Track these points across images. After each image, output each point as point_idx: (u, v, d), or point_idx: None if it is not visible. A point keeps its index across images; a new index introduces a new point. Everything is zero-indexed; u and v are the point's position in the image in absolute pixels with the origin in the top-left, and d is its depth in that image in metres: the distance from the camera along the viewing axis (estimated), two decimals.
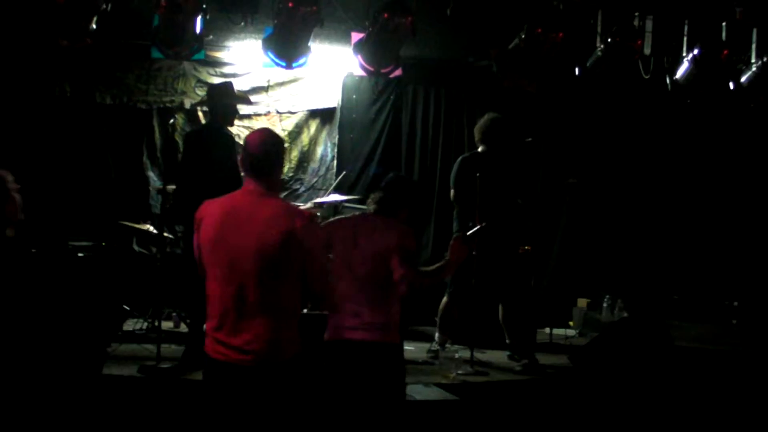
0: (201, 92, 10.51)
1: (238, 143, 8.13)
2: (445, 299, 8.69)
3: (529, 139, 8.81)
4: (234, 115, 8.28)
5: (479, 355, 8.48)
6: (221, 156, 7.69)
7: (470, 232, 6.28)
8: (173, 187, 8.76)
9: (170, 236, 9.17)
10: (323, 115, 11.09)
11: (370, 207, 5.58)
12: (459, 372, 7.91)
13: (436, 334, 8.81)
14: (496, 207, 8.44)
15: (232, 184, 5.44)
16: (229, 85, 8.29)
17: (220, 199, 4.58)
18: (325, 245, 5.00)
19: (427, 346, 8.84)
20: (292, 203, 4.97)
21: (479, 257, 8.27)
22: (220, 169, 7.48)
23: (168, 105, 10.48)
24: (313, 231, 4.48)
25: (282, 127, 10.91)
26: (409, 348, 8.74)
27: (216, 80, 10.54)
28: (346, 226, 5.44)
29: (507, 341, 8.73)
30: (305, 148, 11.02)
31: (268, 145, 4.58)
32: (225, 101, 8.03)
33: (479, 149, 8.77)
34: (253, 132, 4.72)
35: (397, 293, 5.24)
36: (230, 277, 4.39)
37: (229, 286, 4.39)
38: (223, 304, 4.40)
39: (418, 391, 7.14)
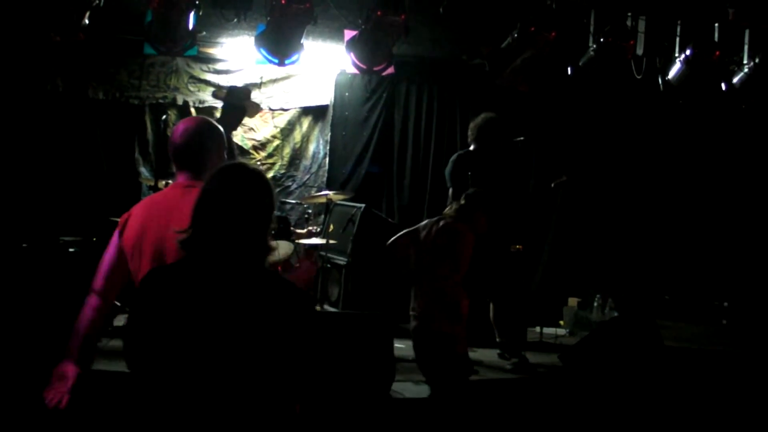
0: (193, 88, 10.55)
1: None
2: None
3: (521, 138, 8.81)
4: (240, 121, 8.53)
5: (469, 354, 8.49)
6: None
7: None
8: (165, 182, 8.78)
9: None
10: (316, 113, 11.10)
11: (448, 213, 6.56)
12: None
13: None
14: None
15: None
16: (247, 90, 8.52)
17: (147, 198, 4.27)
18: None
19: None
20: None
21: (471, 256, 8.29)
22: None
23: (160, 101, 10.48)
24: None
25: (274, 124, 10.91)
26: (400, 345, 8.75)
27: (209, 76, 10.60)
28: (424, 230, 6.52)
29: (497, 340, 8.74)
30: (297, 146, 11.02)
31: (191, 133, 4.18)
32: (238, 104, 8.13)
33: (471, 147, 8.77)
34: (180, 120, 4.34)
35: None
36: None
37: None
38: None
39: (408, 389, 7.15)
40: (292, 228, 9.64)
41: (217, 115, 10.58)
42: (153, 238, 3.99)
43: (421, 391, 7.22)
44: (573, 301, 10.96)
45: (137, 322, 3.24)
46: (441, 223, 6.55)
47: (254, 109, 8.97)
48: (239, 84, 10.64)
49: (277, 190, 10.54)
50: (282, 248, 8.99)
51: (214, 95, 9.64)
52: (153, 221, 4.02)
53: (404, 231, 6.81)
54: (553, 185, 9.58)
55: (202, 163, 4.13)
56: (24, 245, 8.03)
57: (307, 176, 11.05)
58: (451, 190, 8.68)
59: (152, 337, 3.13)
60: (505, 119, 9.05)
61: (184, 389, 3.05)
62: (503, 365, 8.40)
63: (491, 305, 8.64)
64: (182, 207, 3.75)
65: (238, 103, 8.32)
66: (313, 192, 10.60)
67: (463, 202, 6.54)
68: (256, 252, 3.20)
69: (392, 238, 6.79)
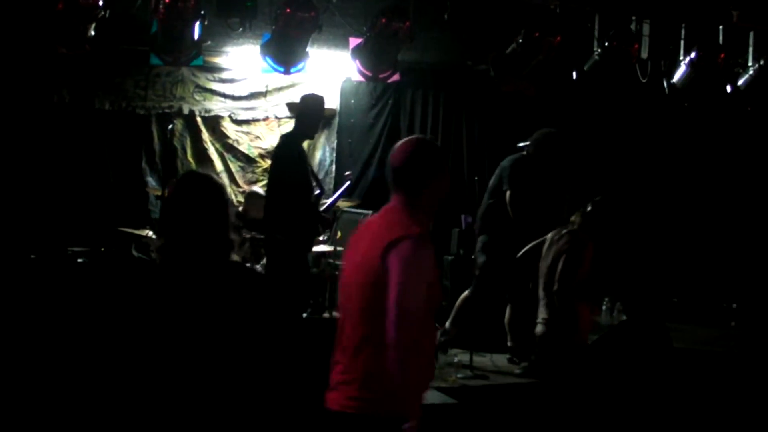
0: (199, 97, 10.56)
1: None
2: (467, 293, 8.62)
3: (527, 143, 8.80)
4: (317, 129, 8.45)
5: (479, 359, 8.49)
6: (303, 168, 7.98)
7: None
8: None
9: None
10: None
11: (575, 221, 6.69)
12: (458, 375, 7.91)
13: (447, 324, 8.69)
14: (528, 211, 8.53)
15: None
16: (322, 98, 8.33)
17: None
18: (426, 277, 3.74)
19: None
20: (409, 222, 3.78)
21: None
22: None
23: (167, 110, 10.48)
24: (403, 254, 3.60)
25: (280, 132, 10.90)
26: None
27: (214, 85, 10.60)
28: (548, 240, 6.79)
29: (509, 344, 8.73)
30: None
31: (407, 153, 3.88)
32: (316, 113, 8.08)
33: (526, 152, 8.75)
34: (402, 140, 4.03)
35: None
36: (342, 306, 3.87)
37: (341, 316, 3.86)
38: (337, 337, 3.83)
39: None
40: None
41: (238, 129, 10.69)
42: (346, 268, 3.95)
43: (431, 396, 7.21)
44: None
45: (124, 324, 3.48)
46: (564, 231, 6.71)
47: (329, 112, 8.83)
48: (245, 93, 10.68)
49: None
50: None
51: (290, 108, 9.50)
52: (352, 248, 3.92)
53: (532, 243, 6.92)
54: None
55: (416, 185, 3.84)
56: (32, 256, 8.05)
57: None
58: (509, 193, 8.58)
59: (139, 336, 3.34)
60: (510, 124, 9.07)
61: (174, 377, 3.27)
62: (513, 370, 8.39)
63: (508, 308, 8.63)
64: (371, 234, 3.80)
65: (314, 113, 8.12)
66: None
67: (589, 209, 6.56)
68: (219, 248, 3.39)
69: (522, 251, 6.97)
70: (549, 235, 6.91)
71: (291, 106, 9.13)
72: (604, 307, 10.54)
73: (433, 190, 3.85)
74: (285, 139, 8.32)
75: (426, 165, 3.86)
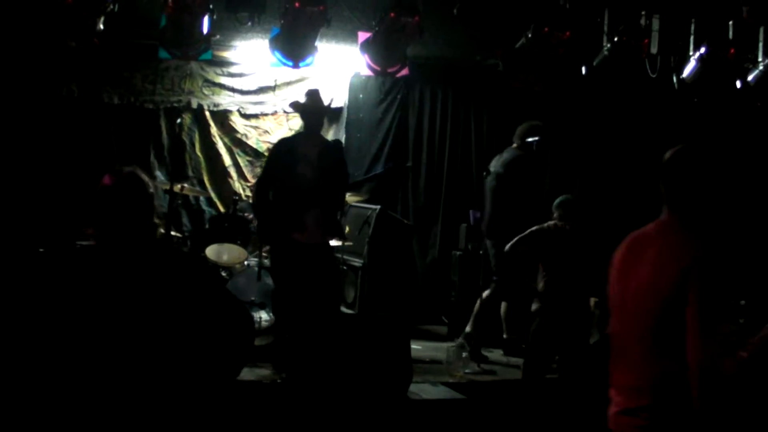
0: (208, 92, 10.58)
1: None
2: (486, 295, 8.58)
3: (536, 139, 8.79)
4: (321, 121, 8.36)
5: (487, 354, 8.48)
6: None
7: None
8: (180, 186, 8.82)
9: (177, 235, 9.19)
10: (330, 115, 11.06)
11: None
12: (466, 371, 7.92)
13: (468, 328, 8.62)
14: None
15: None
16: (316, 91, 8.32)
17: (639, 230, 3.82)
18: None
19: (433, 344, 8.86)
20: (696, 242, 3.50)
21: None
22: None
23: (175, 105, 10.51)
24: (711, 269, 3.36)
25: (289, 127, 10.93)
26: (416, 347, 8.74)
27: (223, 80, 10.63)
28: None
29: (504, 336, 8.75)
30: None
31: (673, 163, 3.60)
32: (316, 107, 8.06)
33: (516, 145, 8.79)
34: (676, 148, 3.63)
35: None
36: (617, 332, 3.74)
37: (618, 340, 3.73)
38: (615, 359, 3.75)
39: (425, 390, 7.15)
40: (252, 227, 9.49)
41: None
42: (617, 290, 3.77)
43: (439, 392, 7.22)
44: (590, 301, 10.91)
45: (56, 305, 3.94)
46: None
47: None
48: (253, 87, 10.69)
49: None
50: (230, 252, 8.91)
51: (293, 106, 9.51)
52: (623, 267, 3.76)
53: (520, 236, 6.99)
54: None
55: (685, 200, 3.62)
56: (41, 250, 8.06)
57: None
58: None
59: (70, 316, 3.84)
60: (520, 120, 9.06)
61: (105, 353, 3.70)
62: (521, 365, 8.37)
63: (503, 303, 8.63)
64: (650, 255, 3.57)
65: (317, 106, 8.11)
66: None
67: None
68: (144, 231, 3.76)
69: (510, 244, 7.10)
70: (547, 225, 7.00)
71: (295, 105, 9.08)
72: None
73: (713, 202, 3.62)
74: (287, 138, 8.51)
75: (704, 176, 3.60)
